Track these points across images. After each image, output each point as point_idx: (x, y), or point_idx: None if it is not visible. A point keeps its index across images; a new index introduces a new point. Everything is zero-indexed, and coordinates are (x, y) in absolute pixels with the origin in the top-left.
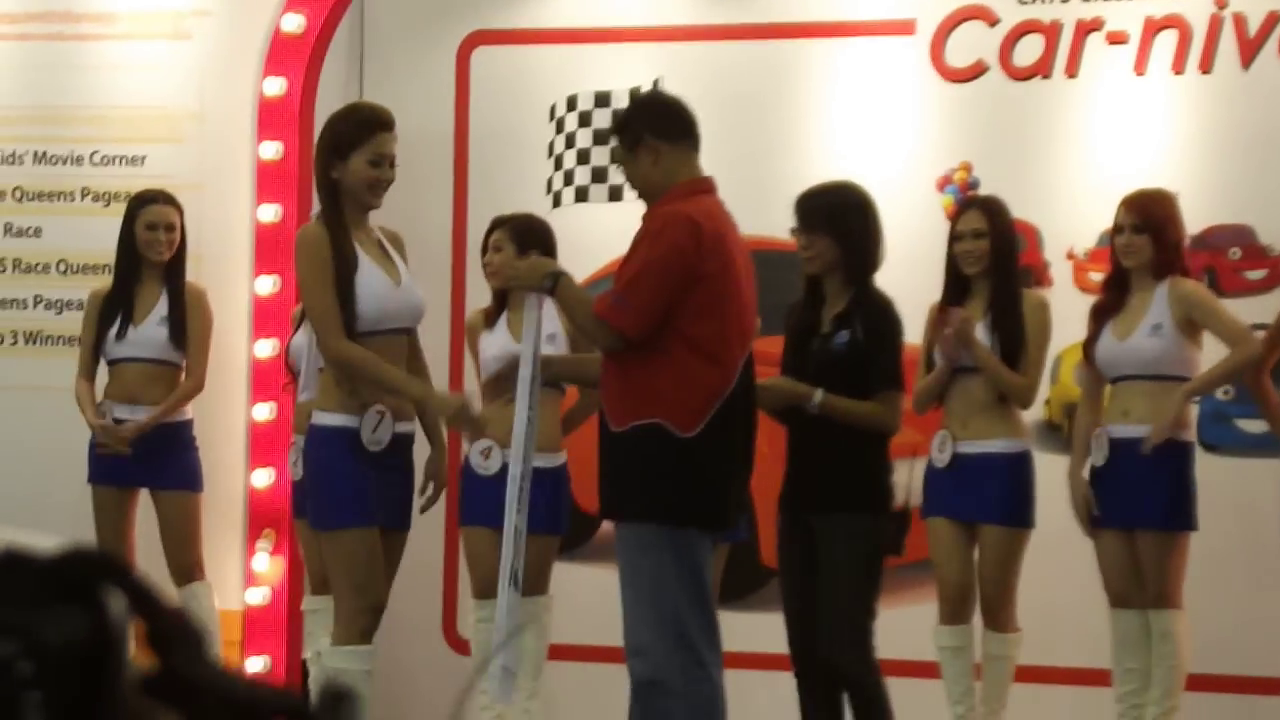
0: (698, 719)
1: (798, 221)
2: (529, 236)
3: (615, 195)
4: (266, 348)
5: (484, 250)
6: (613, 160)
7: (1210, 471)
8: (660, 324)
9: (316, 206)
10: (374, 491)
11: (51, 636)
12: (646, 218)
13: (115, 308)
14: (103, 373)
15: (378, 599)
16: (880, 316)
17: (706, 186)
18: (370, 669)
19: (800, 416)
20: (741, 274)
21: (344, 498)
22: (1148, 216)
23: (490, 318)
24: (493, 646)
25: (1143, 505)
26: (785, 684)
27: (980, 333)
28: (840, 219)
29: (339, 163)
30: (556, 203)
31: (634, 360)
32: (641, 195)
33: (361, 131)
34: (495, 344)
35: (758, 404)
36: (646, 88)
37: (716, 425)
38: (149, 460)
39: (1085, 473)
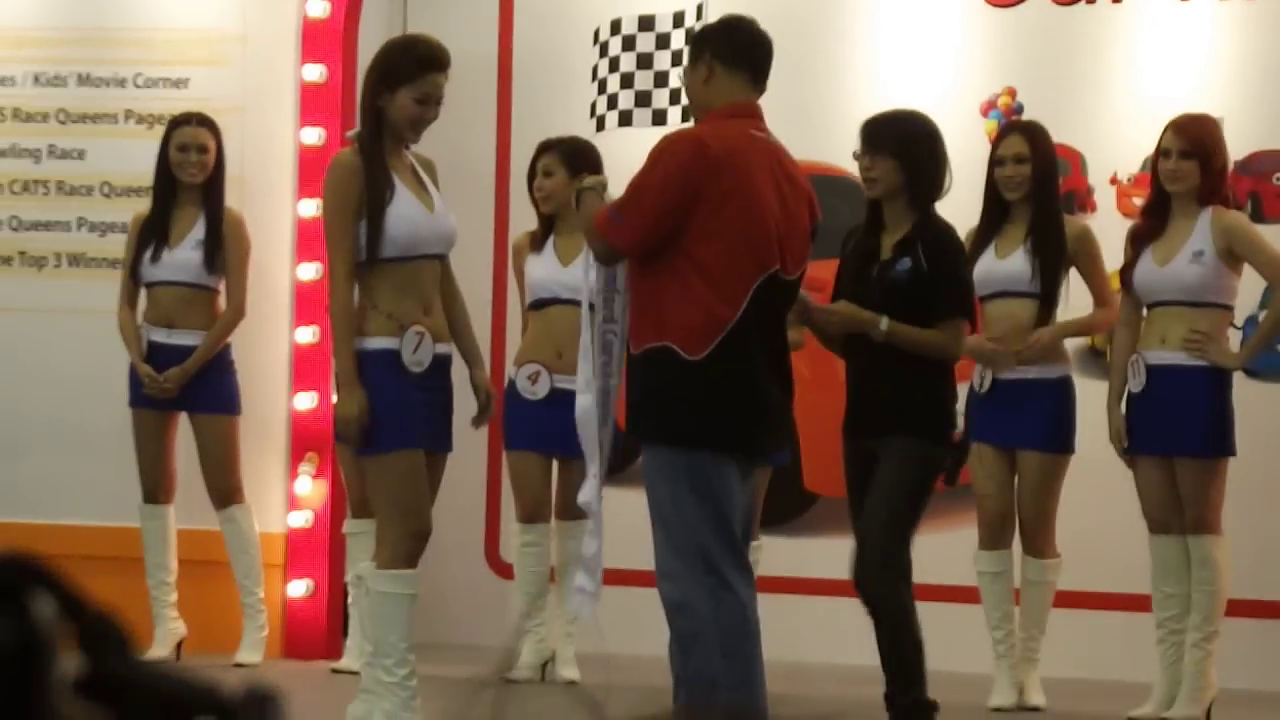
0: (726, 641)
1: (863, 144)
2: (580, 159)
3: (659, 119)
4: (309, 270)
5: (531, 175)
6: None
7: (1250, 397)
8: (656, 242)
9: (352, 129)
10: (417, 413)
11: None
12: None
13: (151, 230)
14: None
15: (423, 525)
16: (944, 244)
17: (746, 111)
18: (415, 593)
19: (861, 343)
20: (764, 198)
21: (388, 420)
22: (1195, 141)
23: (537, 241)
24: (584, 560)
25: (1181, 431)
26: (826, 609)
27: (1020, 257)
28: (907, 143)
29: (386, 93)
30: (600, 127)
31: (647, 283)
32: (691, 108)
33: (415, 68)
34: (542, 267)
35: (814, 328)
36: (691, 12)
37: (730, 348)
38: (188, 384)
39: (1123, 399)
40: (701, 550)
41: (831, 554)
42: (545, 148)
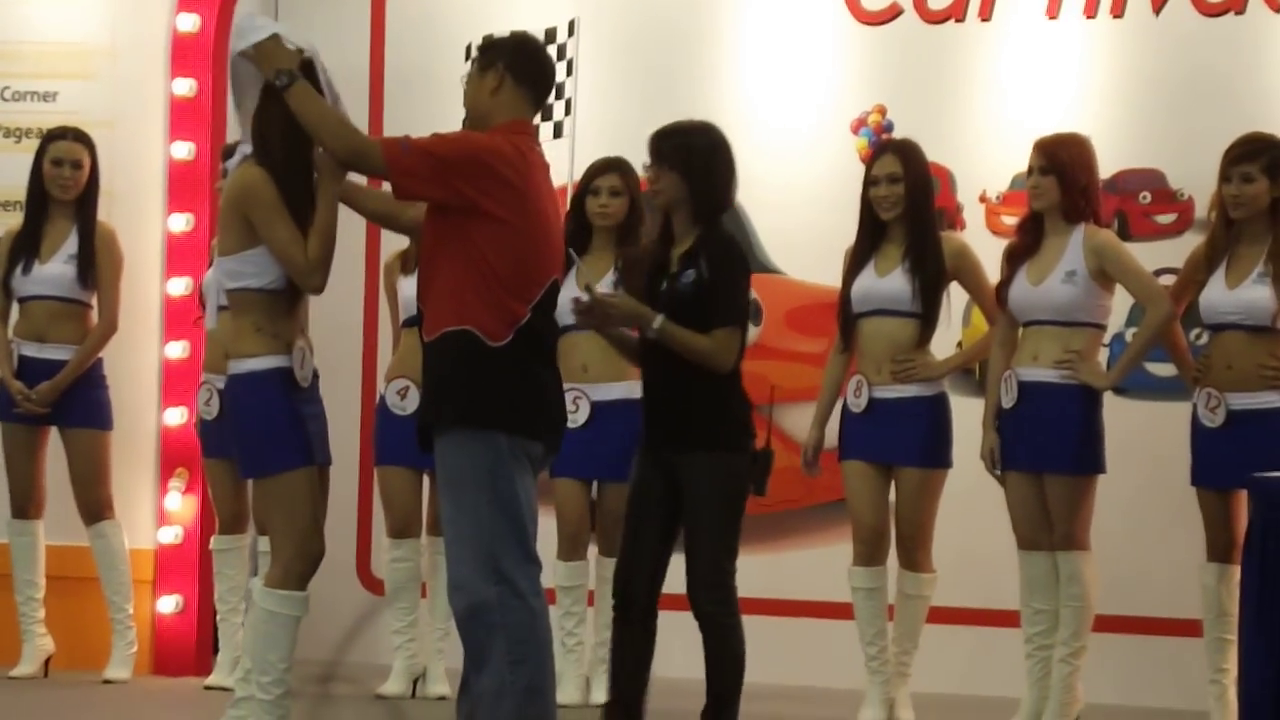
0: (515, 645)
1: (649, 156)
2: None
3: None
4: (179, 286)
5: (591, 193)
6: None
7: (1119, 415)
8: (436, 193)
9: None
10: (309, 429)
11: None
12: None
13: (23, 245)
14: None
15: (320, 546)
16: (725, 254)
17: (529, 129)
18: (301, 615)
19: (655, 354)
20: (558, 209)
21: (284, 439)
22: (1054, 159)
23: (408, 261)
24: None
25: (1051, 448)
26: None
27: (899, 276)
28: (690, 156)
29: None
30: None
31: (444, 271)
32: (469, 115)
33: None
34: (412, 286)
35: (602, 330)
36: (563, 28)
37: (527, 338)
38: (58, 399)
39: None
40: (493, 553)
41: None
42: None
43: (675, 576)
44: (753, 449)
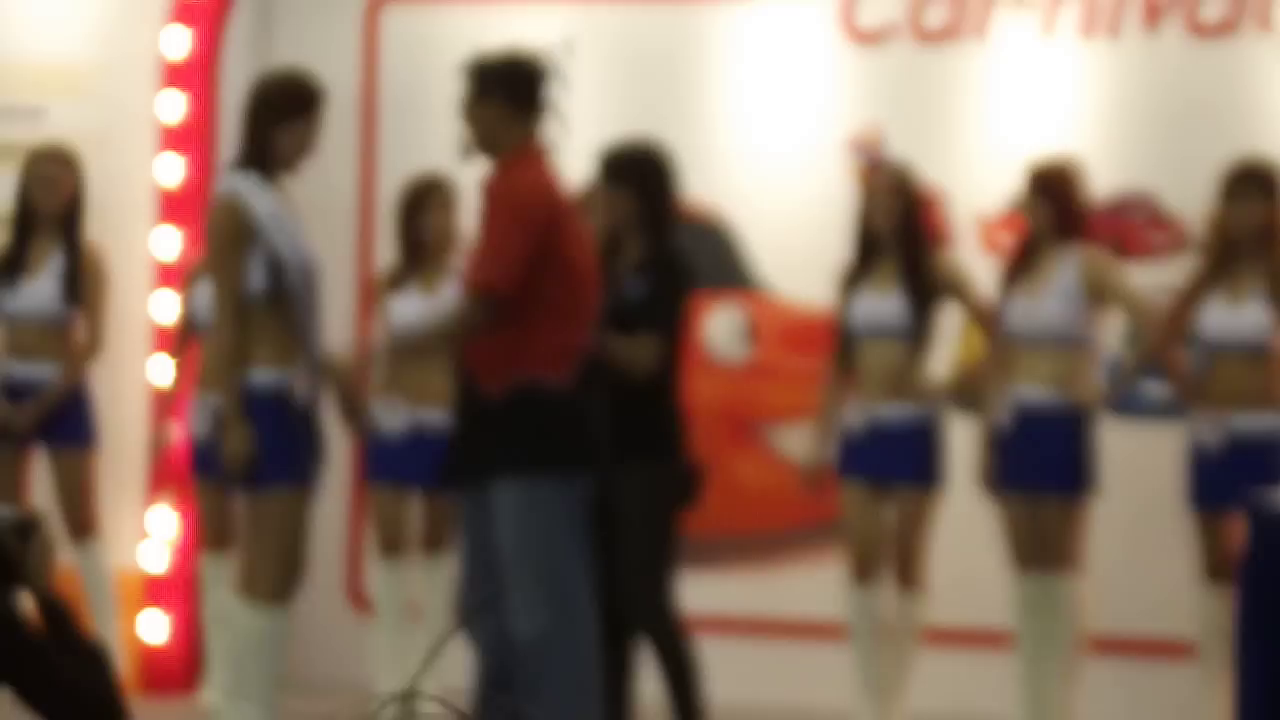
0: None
1: (602, 177)
2: None
3: None
4: (168, 303)
5: (408, 211)
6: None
7: (1114, 436)
8: (526, 275)
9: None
10: (304, 449)
11: None
12: (492, 179)
13: (9, 262)
14: None
15: (303, 564)
16: (669, 268)
17: (542, 149)
18: (283, 630)
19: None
20: (587, 237)
21: (281, 457)
22: (1048, 181)
23: (397, 280)
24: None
25: (1046, 469)
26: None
27: (894, 298)
28: (642, 176)
29: (279, 131)
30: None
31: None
32: (480, 144)
33: (306, 104)
34: (407, 304)
35: None
36: (559, 47)
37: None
38: (44, 417)
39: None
40: (566, 587)
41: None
42: (435, 185)
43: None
44: (684, 462)
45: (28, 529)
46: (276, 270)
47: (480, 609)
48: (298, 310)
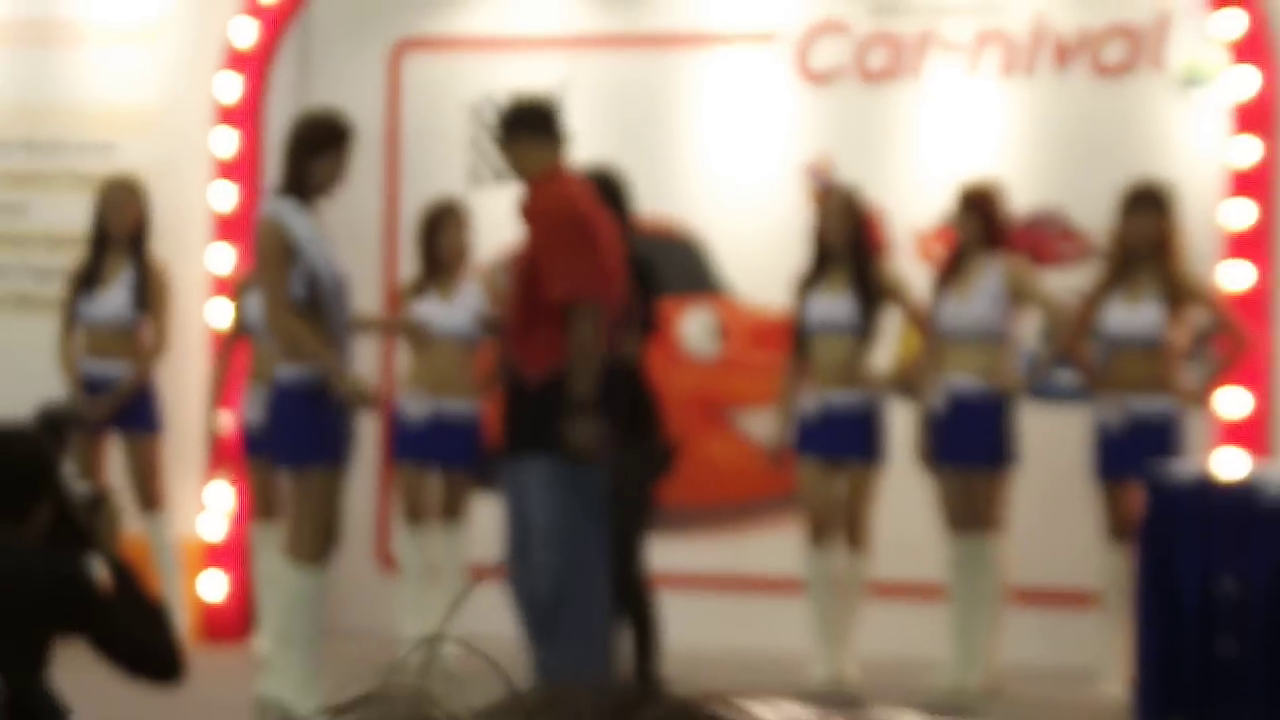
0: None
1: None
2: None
3: None
4: (222, 310)
5: (428, 231)
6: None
7: (1031, 418)
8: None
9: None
10: (335, 433)
11: None
12: (530, 200)
13: (86, 276)
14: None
15: (337, 532)
16: (634, 274)
17: (565, 167)
18: (322, 587)
19: None
20: (613, 235)
21: (313, 440)
22: (974, 200)
23: (419, 287)
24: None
25: (974, 446)
26: (673, 602)
27: (844, 300)
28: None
29: (315, 162)
30: (477, 185)
31: (533, 319)
32: (521, 177)
33: (337, 138)
34: (424, 307)
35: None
36: (555, 85)
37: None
38: (117, 407)
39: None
40: (582, 552)
41: (674, 554)
42: (451, 208)
43: (666, 557)
44: (651, 444)
45: (98, 502)
46: (313, 283)
47: (515, 567)
48: (331, 316)
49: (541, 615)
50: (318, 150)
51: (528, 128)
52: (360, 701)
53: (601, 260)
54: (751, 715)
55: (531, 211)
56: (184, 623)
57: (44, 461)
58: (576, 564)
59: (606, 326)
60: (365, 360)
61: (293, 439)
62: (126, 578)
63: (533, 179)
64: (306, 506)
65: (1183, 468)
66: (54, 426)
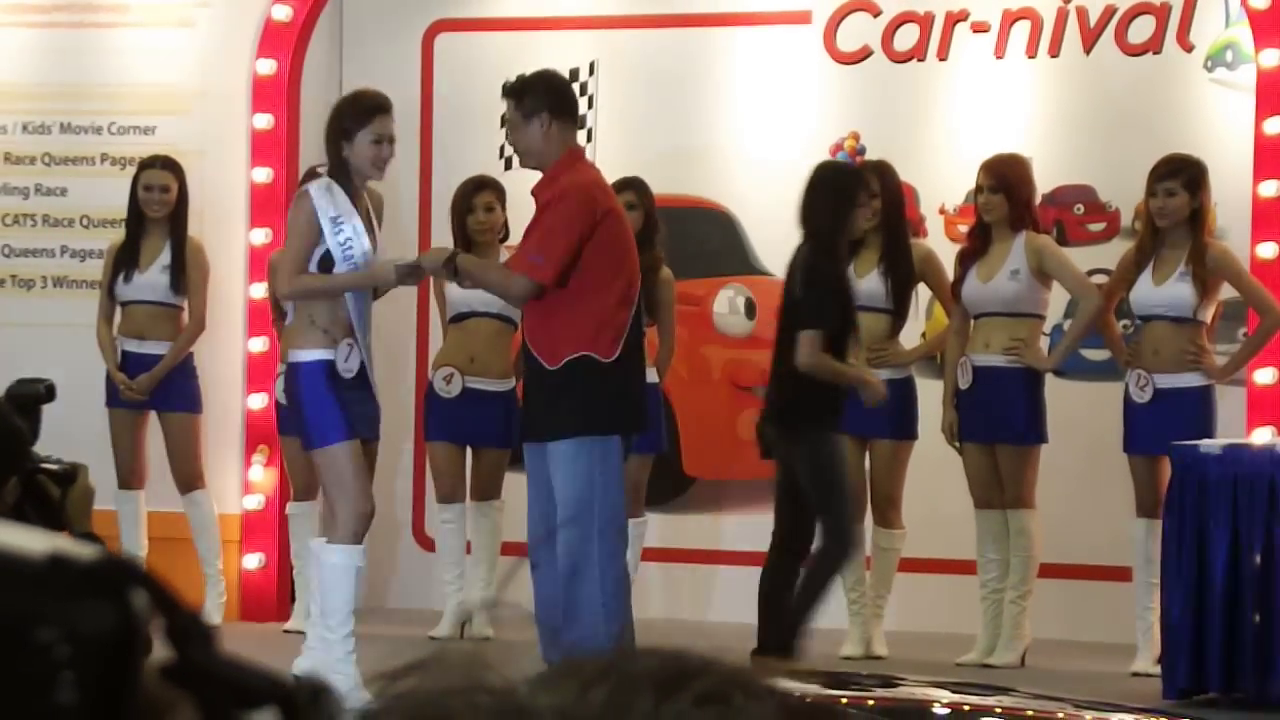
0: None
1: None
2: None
3: None
4: (260, 290)
5: (460, 208)
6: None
7: (1060, 393)
8: (572, 263)
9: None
10: (352, 410)
11: (86, 627)
12: (544, 186)
13: (124, 256)
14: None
15: (369, 505)
16: None
17: (582, 153)
18: (361, 565)
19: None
20: (627, 222)
21: (330, 419)
22: (1001, 178)
23: None
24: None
25: (1002, 422)
26: (702, 574)
27: (875, 278)
28: None
29: (346, 143)
30: (508, 166)
31: (549, 306)
32: (526, 157)
33: (364, 115)
34: (456, 290)
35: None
36: (584, 68)
37: (628, 345)
38: (156, 387)
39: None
40: (613, 524)
41: (705, 528)
42: (483, 184)
43: (698, 532)
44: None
45: (68, 478)
46: (327, 266)
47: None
48: (349, 299)
49: (564, 589)
50: (353, 130)
51: (554, 108)
52: (415, 667)
53: (609, 253)
54: (798, 688)
55: (546, 198)
56: (224, 600)
57: (10, 437)
58: (598, 540)
59: (625, 310)
60: (401, 337)
61: (310, 421)
62: None
63: (546, 165)
64: (332, 486)
65: (1212, 443)
66: (24, 405)
